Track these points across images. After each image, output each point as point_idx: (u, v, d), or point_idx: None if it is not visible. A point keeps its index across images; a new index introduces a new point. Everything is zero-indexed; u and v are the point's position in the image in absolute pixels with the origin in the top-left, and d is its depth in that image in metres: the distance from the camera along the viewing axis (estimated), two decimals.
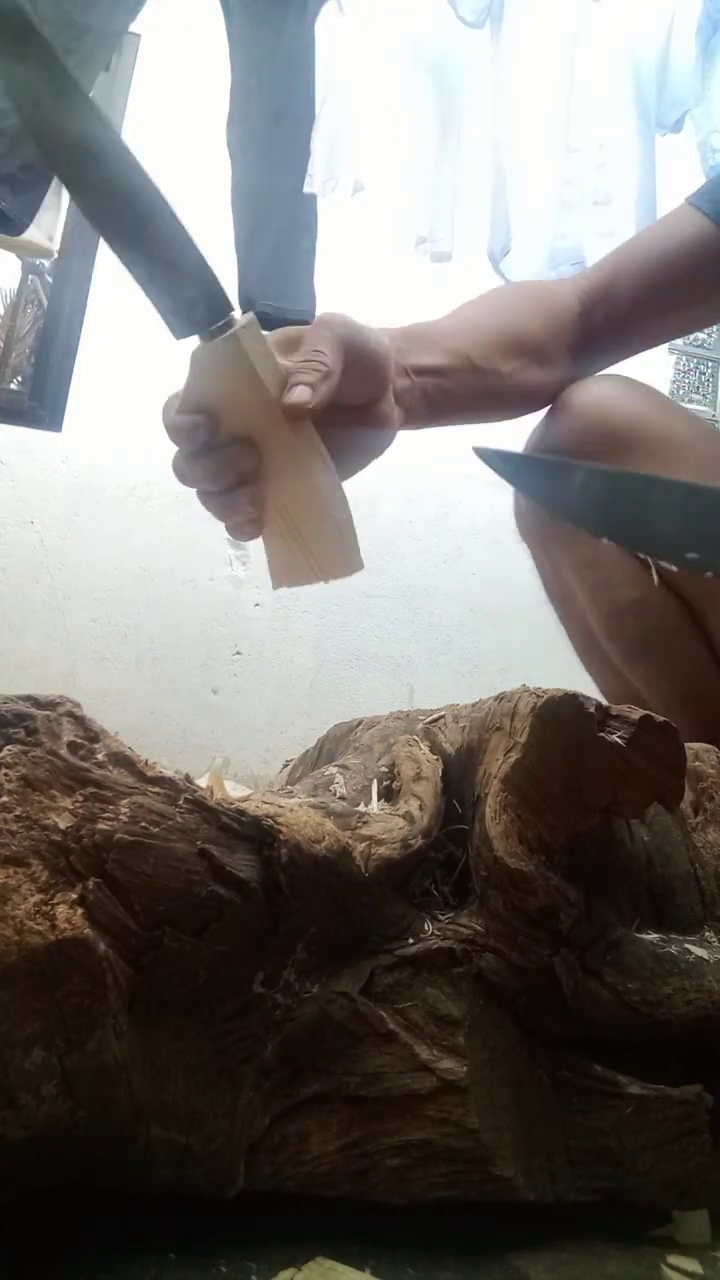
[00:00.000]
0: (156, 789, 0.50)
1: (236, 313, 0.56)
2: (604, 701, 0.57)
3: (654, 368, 2.43)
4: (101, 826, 0.47)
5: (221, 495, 0.57)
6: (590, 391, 0.73)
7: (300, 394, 0.52)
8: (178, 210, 0.53)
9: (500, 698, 0.67)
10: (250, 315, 0.57)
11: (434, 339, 0.63)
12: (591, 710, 0.56)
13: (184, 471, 0.58)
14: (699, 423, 0.80)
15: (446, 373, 0.61)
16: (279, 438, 0.56)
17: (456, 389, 0.62)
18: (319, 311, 1.95)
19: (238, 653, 2.31)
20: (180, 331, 0.54)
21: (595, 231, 1.98)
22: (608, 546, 0.77)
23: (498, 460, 0.52)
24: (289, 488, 0.56)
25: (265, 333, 0.56)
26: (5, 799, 0.45)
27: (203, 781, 0.54)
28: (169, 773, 0.51)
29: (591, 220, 1.99)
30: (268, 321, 1.94)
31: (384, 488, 2.33)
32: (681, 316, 0.73)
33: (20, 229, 1.77)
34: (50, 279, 2.32)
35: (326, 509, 0.57)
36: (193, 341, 0.55)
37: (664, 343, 0.75)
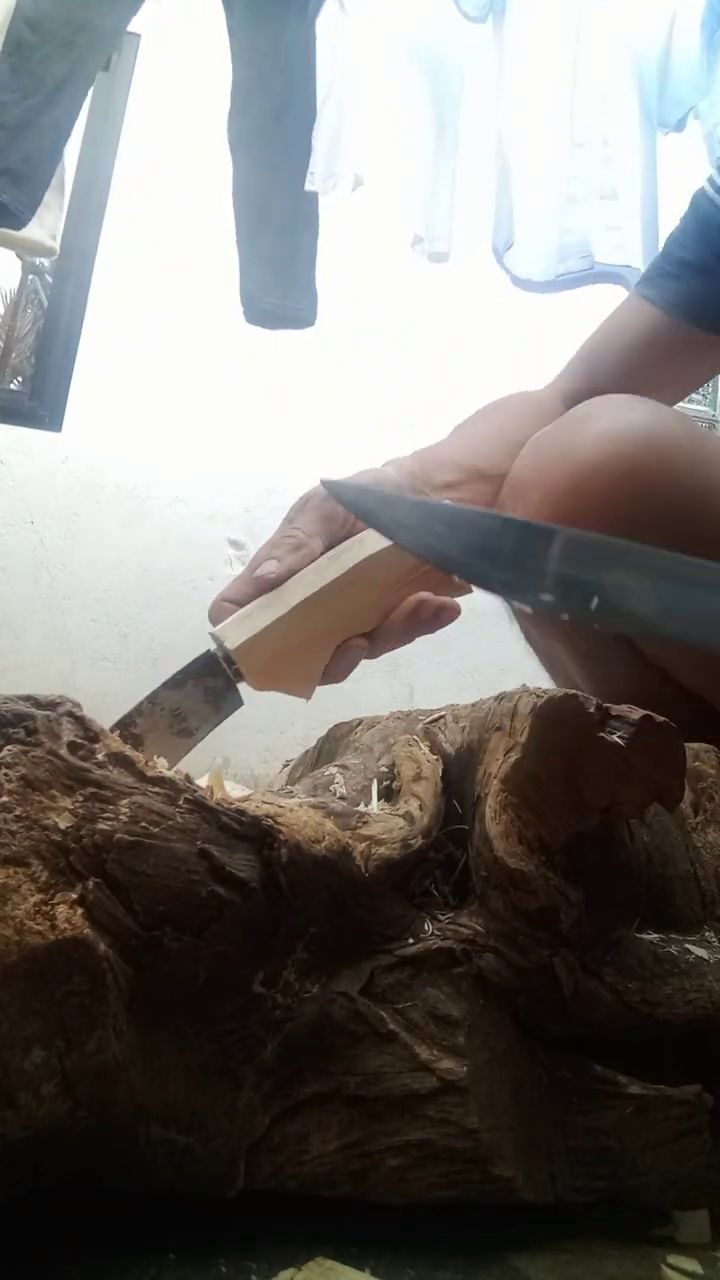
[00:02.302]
0: (156, 789, 0.50)
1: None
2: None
3: None
4: (101, 826, 0.47)
5: None
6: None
7: (266, 568, 0.59)
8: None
9: (500, 698, 0.67)
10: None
11: (445, 459, 0.69)
12: (591, 710, 0.56)
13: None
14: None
15: (461, 486, 0.68)
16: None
17: (473, 499, 0.68)
18: (319, 309, 1.95)
19: None
20: None
21: (602, 226, 1.98)
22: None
23: (347, 492, 0.56)
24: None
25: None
26: (5, 799, 0.45)
27: (203, 781, 0.54)
28: (169, 773, 0.51)
29: (598, 215, 1.98)
30: (268, 318, 1.94)
31: None
32: (658, 396, 0.80)
33: (22, 222, 1.75)
34: (50, 279, 2.32)
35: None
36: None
37: None
